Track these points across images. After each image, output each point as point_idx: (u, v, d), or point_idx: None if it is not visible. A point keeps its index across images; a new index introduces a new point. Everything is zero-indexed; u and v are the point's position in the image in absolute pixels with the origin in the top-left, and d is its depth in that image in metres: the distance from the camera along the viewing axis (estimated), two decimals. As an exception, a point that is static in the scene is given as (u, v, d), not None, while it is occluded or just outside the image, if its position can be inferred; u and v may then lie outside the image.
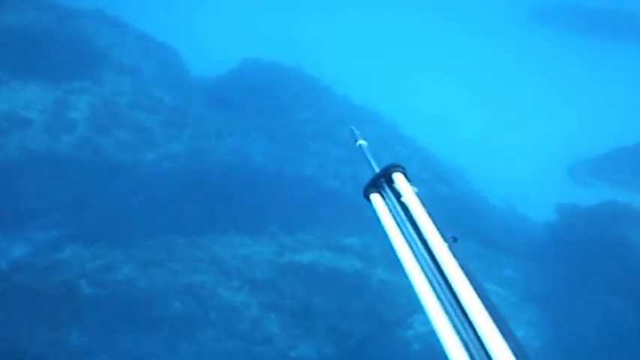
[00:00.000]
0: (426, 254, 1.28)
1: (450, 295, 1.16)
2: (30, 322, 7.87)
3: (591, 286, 11.54)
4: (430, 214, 1.37)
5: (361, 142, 1.78)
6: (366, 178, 1.61)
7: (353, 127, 1.91)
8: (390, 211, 1.48)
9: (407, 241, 1.36)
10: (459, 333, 1.10)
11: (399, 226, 1.42)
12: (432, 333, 1.15)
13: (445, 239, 1.28)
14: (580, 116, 19.48)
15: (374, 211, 1.52)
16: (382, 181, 1.55)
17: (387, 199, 1.51)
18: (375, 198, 1.54)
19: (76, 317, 8.13)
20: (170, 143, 11.70)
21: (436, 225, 1.33)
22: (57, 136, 10.94)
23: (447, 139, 16.40)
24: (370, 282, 9.35)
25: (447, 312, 1.15)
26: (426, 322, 1.23)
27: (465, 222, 12.70)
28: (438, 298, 1.18)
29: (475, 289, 1.14)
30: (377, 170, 1.59)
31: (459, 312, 1.13)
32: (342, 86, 15.44)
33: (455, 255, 1.23)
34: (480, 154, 16.64)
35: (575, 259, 12.34)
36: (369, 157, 1.70)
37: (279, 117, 13.65)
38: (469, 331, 1.08)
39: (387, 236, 1.42)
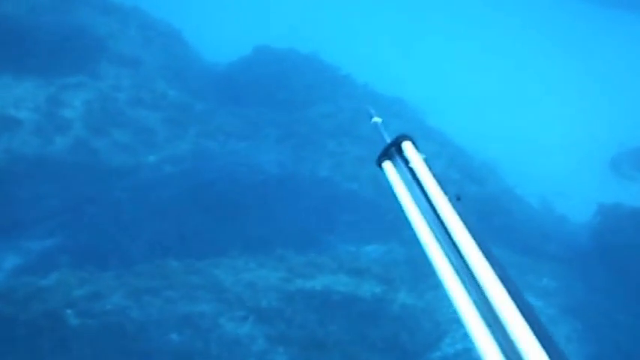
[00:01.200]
0: (432, 214, 1.37)
1: (455, 252, 1.22)
2: (8, 356, 7.03)
3: (638, 297, 10.36)
4: (436, 177, 1.47)
5: (376, 119, 1.88)
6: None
7: (368, 106, 2.01)
8: (401, 177, 1.59)
9: (415, 202, 1.45)
10: (465, 287, 1.15)
11: (408, 189, 1.52)
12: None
13: (450, 199, 1.37)
14: (623, 102, 17.87)
15: (386, 178, 1.66)
16: (393, 151, 1.67)
17: (397, 167, 1.63)
18: (387, 165, 1.68)
19: (62, 350, 7.26)
20: (173, 144, 10.68)
21: (441, 186, 1.43)
22: (49, 137, 10.00)
23: (477, 131, 15.08)
24: (391, 308, 8.29)
25: (454, 268, 1.20)
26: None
27: (498, 224, 11.55)
28: (445, 254, 1.25)
29: (478, 244, 1.20)
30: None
31: (464, 268, 1.18)
32: (362, 75, 14.18)
33: (459, 213, 1.31)
34: (513, 147, 15.30)
35: (619, 266, 11.13)
36: (384, 133, 1.79)
37: (293, 111, 12.51)
38: (474, 284, 1.13)
39: (397, 200, 1.53)
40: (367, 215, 11.18)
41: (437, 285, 1.49)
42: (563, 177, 14.85)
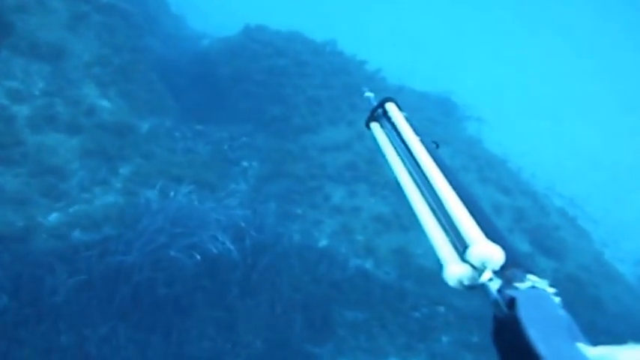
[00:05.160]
0: (413, 162, 1.55)
1: (429, 188, 1.40)
2: None
3: None
4: (415, 130, 1.66)
5: (368, 94, 2.09)
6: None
7: (364, 88, 2.20)
8: (387, 135, 1.79)
9: (399, 155, 1.65)
10: (436, 216, 1.33)
11: (393, 145, 1.73)
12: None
13: (427, 147, 1.55)
14: None
15: (373, 137, 1.82)
16: (380, 113, 1.88)
17: (384, 127, 1.82)
18: (374, 126, 1.87)
19: None
20: (90, 194, 6.96)
21: (420, 138, 1.61)
22: None
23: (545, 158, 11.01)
24: None
25: (429, 205, 1.39)
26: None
27: (586, 321, 7.62)
28: (421, 193, 1.45)
29: (449, 180, 1.37)
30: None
31: (436, 201, 1.35)
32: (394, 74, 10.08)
33: (435, 158, 1.48)
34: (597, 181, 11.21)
35: None
36: (375, 105, 1.93)
37: (288, 135, 8.56)
38: (443, 211, 1.30)
39: (383, 155, 1.72)
40: (383, 312, 7.45)
41: None
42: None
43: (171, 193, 6.92)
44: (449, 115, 10.94)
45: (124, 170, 7.28)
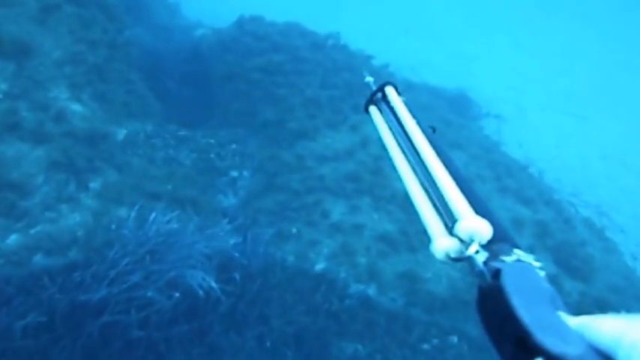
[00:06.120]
0: (409, 144, 1.58)
1: (423, 168, 1.44)
2: None
3: None
4: (413, 115, 1.69)
5: (369, 79, 2.14)
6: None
7: (365, 72, 2.28)
8: (384, 118, 1.84)
9: (395, 137, 1.69)
10: (427, 193, 1.37)
11: (390, 129, 1.76)
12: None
13: (424, 131, 1.58)
14: None
15: (372, 121, 1.86)
16: (379, 97, 1.95)
17: (382, 111, 1.89)
18: (373, 110, 1.94)
19: None
20: (55, 212, 6.15)
21: (418, 122, 1.65)
22: None
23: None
24: None
25: (421, 183, 1.43)
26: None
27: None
28: (415, 173, 1.48)
29: (442, 159, 1.40)
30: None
31: (429, 180, 1.39)
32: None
33: (431, 141, 1.51)
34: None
35: None
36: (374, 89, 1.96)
37: (281, 142, 7.66)
38: (435, 188, 1.34)
39: (380, 136, 1.75)
40: (388, 344, 6.61)
41: None
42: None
43: (150, 216, 6.06)
44: (464, 113, 9.97)
45: (95, 185, 6.45)
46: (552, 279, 7.57)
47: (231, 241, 5.81)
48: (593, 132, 11.24)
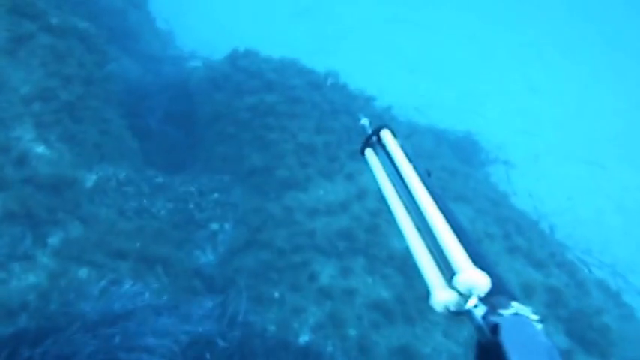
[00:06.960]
0: (405, 189, 1.57)
1: (420, 215, 1.42)
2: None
3: None
4: (409, 159, 1.68)
5: (364, 121, 2.15)
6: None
7: (360, 114, 2.25)
8: (380, 161, 1.83)
9: (391, 181, 1.68)
10: (425, 242, 1.35)
11: (386, 171, 1.75)
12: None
13: (420, 175, 1.59)
14: None
15: (367, 164, 1.85)
16: (374, 140, 1.95)
17: (378, 154, 1.87)
18: (369, 152, 1.94)
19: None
20: (6, 272, 5.45)
21: (414, 165, 1.65)
22: None
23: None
24: None
25: (419, 232, 1.40)
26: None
27: None
28: (412, 220, 1.46)
29: (440, 207, 1.39)
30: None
31: (427, 228, 1.37)
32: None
33: (426, 185, 1.51)
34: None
35: None
36: (370, 131, 1.99)
37: (269, 193, 6.96)
38: (432, 238, 1.32)
39: (376, 180, 1.73)
40: None
41: None
42: None
43: (112, 286, 5.34)
44: (470, 160, 9.29)
45: (54, 240, 5.74)
46: (566, 355, 6.77)
47: (207, 325, 5.06)
48: (608, 182, 10.53)
